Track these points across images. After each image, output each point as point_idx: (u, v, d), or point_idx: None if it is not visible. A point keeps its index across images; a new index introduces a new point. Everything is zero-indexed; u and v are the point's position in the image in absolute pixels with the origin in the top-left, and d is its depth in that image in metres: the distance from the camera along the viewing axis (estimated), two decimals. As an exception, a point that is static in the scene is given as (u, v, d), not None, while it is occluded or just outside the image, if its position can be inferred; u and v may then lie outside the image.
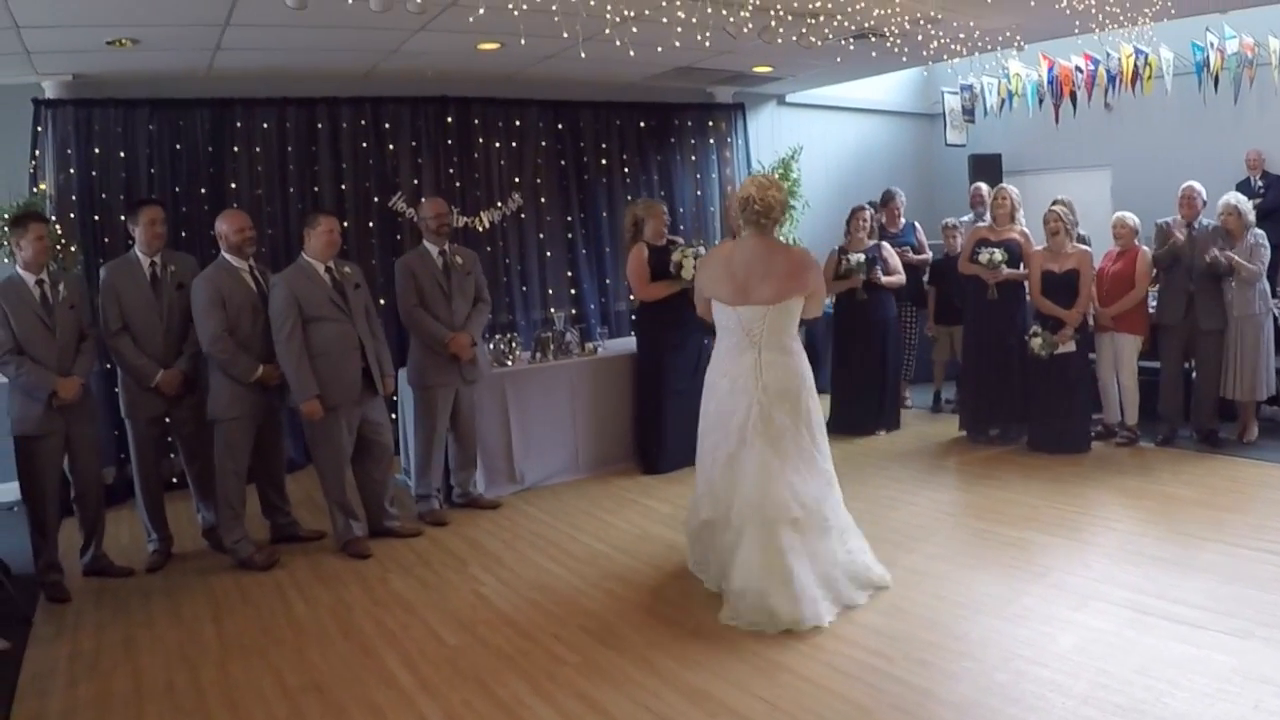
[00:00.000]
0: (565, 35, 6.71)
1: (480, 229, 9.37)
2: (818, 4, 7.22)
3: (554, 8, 6.43)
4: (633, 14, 6.95)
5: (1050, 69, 10.34)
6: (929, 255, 9.61)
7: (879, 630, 4.63)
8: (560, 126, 9.98)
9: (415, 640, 4.84)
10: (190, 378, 6.07)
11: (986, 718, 3.81)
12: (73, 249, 7.46)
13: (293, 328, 5.93)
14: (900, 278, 8.75)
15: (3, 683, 4.55)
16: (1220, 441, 7.63)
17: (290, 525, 6.56)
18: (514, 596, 5.36)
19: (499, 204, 9.54)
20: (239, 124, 8.42)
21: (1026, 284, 7.91)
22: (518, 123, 9.69)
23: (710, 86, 10.76)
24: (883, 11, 7.49)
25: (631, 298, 9.67)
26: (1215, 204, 7.57)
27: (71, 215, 7.66)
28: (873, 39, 8.36)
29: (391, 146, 9.07)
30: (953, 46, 8.90)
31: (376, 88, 8.90)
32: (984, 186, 9.49)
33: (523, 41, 6.94)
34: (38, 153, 7.63)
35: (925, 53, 9.16)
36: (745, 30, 7.29)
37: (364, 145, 8.93)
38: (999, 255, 7.80)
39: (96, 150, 7.84)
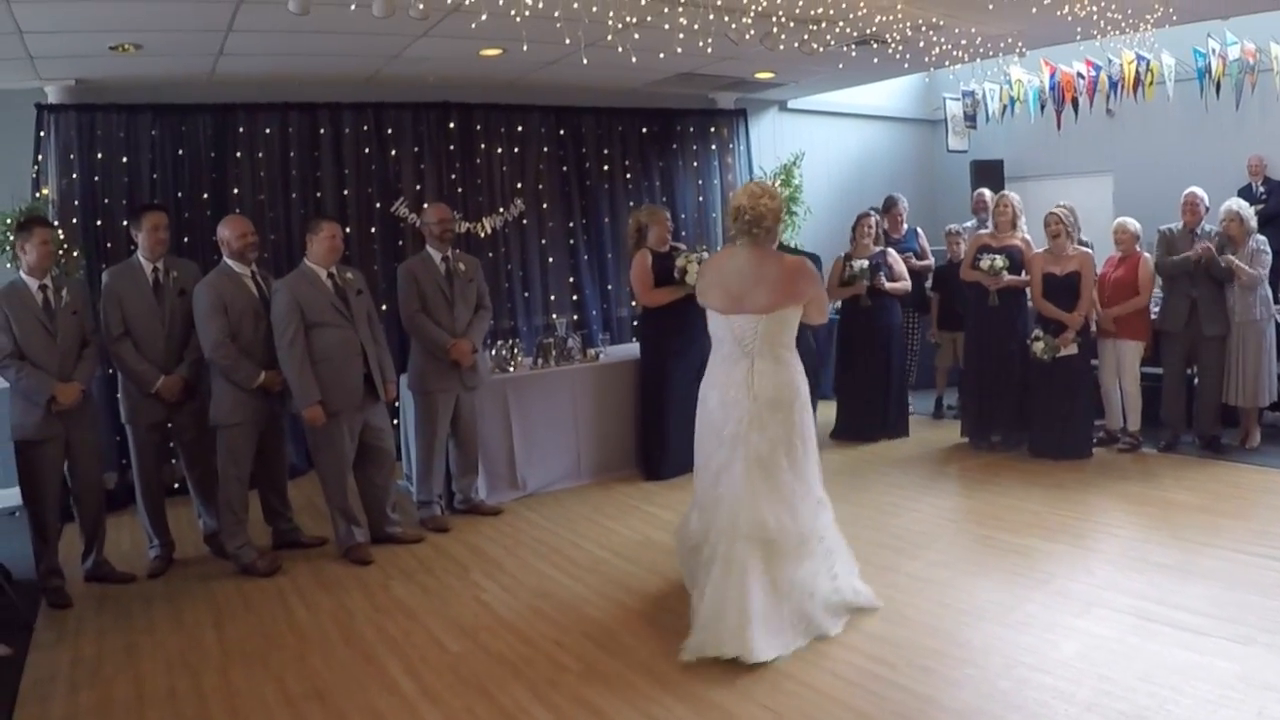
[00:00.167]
0: (567, 41, 6.71)
1: (482, 234, 9.37)
2: (820, 10, 7.22)
3: (556, 14, 6.44)
4: (635, 20, 6.96)
5: (1052, 75, 10.35)
6: (931, 261, 9.62)
7: (882, 637, 4.62)
8: (562, 132, 9.99)
9: (417, 647, 4.84)
10: (191, 384, 6.07)
11: (989, 725, 3.80)
12: (75, 254, 7.47)
13: (295, 333, 5.93)
14: (905, 284, 8.73)
15: (4, 688, 4.54)
16: (1223, 447, 7.63)
17: (292, 531, 6.55)
18: (516, 603, 5.35)
19: (501, 210, 9.55)
20: (241, 129, 8.43)
21: (1028, 290, 7.91)
22: (520, 128, 9.69)
23: (712, 92, 10.77)
24: (885, 18, 7.50)
25: (634, 304, 9.69)
26: (1217, 210, 7.58)
27: (74, 220, 7.66)
28: (875, 45, 8.37)
29: (394, 152, 9.07)
30: (954, 53, 8.92)
31: (379, 93, 8.91)
32: (987, 192, 9.49)
33: (525, 47, 6.95)
34: (40, 157, 7.63)
35: (927, 59, 9.18)
36: (747, 37, 7.31)
37: (366, 151, 8.93)
38: (1000, 261, 7.80)
39: (99, 155, 7.84)
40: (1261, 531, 5.80)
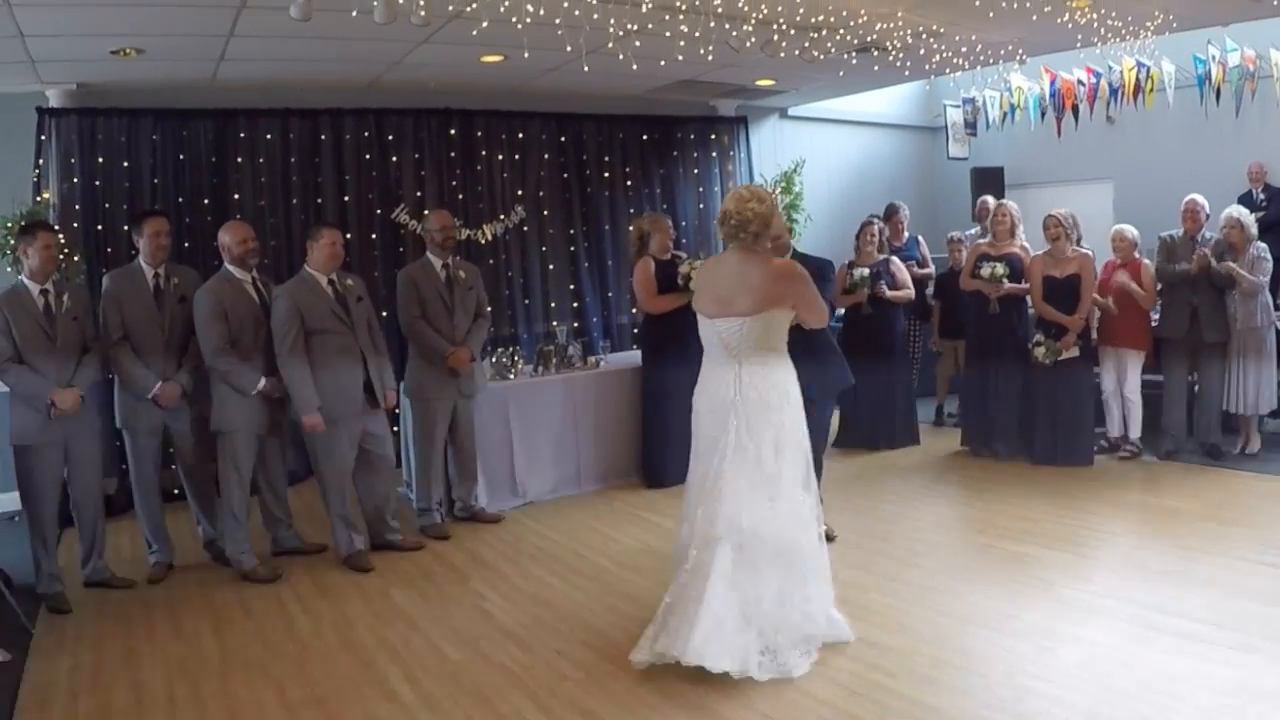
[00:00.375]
0: (569, 48, 6.72)
1: (483, 241, 9.37)
2: (820, 18, 7.24)
3: (557, 21, 6.45)
4: (636, 27, 6.96)
5: (1052, 82, 10.34)
6: (932, 269, 9.63)
7: (883, 645, 4.61)
8: (563, 139, 9.99)
9: (417, 655, 4.83)
10: (188, 391, 6.07)
11: (991, 734, 3.80)
12: (75, 258, 7.47)
13: (295, 340, 5.93)
14: (908, 292, 8.70)
15: (4, 695, 4.53)
16: (1223, 455, 7.64)
17: (292, 538, 6.54)
18: (516, 611, 5.34)
19: (502, 216, 9.55)
20: (243, 134, 8.43)
21: (1028, 297, 7.91)
22: (521, 135, 9.70)
23: (713, 99, 10.78)
24: (885, 25, 7.50)
25: (634, 310, 9.69)
26: (1218, 217, 7.58)
27: (75, 225, 7.67)
28: (875, 53, 8.38)
29: (395, 158, 9.08)
30: (955, 60, 8.93)
31: (380, 99, 8.91)
32: (990, 200, 9.49)
33: (526, 54, 6.94)
34: (41, 161, 7.64)
35: (927, 66, 9.19)
36: (748, 44, 7.31)
37: (367, 157, 8.93)
38: (1001, 269, 7.80)
39: (100, 160, 7.85)
40: (1262, 539, 5.80)
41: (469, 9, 6.38)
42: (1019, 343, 7.88)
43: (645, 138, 10.51)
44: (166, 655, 4.95)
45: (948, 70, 9.55)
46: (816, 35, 7.64)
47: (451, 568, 6.15)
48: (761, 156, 11.31)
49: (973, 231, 9.71)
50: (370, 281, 7.61)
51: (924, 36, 7.97)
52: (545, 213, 9.88)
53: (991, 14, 7.16)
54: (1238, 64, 9.26)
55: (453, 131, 9.32)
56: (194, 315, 5.95)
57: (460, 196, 9.36)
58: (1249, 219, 7.54)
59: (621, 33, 6.97)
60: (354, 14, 5.96)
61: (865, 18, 7.29)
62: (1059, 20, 7.43)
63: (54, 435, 5.58)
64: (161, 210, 7.01)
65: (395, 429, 7.18)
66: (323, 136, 8.76)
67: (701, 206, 10.87)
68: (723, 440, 4.58)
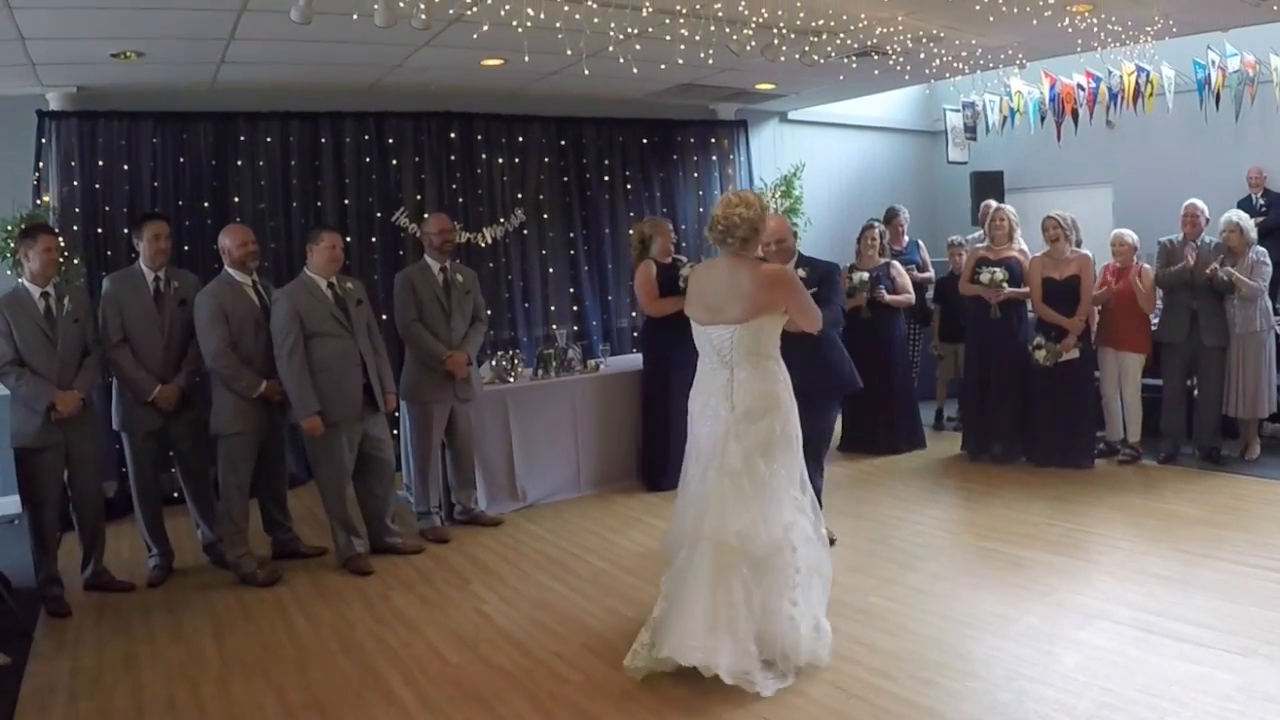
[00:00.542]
0: (569, 52, 6.73)
1: (483, 245, 9.37)
2: (821, 22, 7.25)
3: (558, 25, 6.45)
4: (636, 31, 6.97)
5: (1052, 86, 10.36)
6: (931, 274, 9.64)
7: (883, 649, 4.61)
8: (563, 143, 9.99)
9: (417, 658, 4.83)
10: (187, 394, 6.07)
11: (991, 738, 3.80)
12: (75, 261, 7.47)
13: (294, 343, 5.93)
14: (908, 297, 8.71)
15: (3, 698, 4.53)
16: (1222, 459, 7.64)
17: (292, 541, 6.54)
18: (516, 615, 5.34)
19: (501, 220, 9.55)
20: (243, 138, 8.43)
21: (1028, 301, 7.92)
22: (521, 139, 9.70)
23: (713, 103, 10.78)
24: (885, 30, 7.52)
25: (634, 314, 9.70)
26: (1217, 221, 7.59)
27: (75, 227, 7.66)
28: (875, 57, 8.39)
29: (395, 162, 9.08)
30: (955, 64, 8.94)
31: (380, 102, 8.92)
32: (993, 203, 9.49)
33: (526, 58, 6.95)
34: (41, 164, 7.64)
35: (928, 70, 9.19)
36: (748, 48, 7.31)
37: (367, 160, 8.94)
38: (1000, 274, 7.81)
39: (100, 163, 7.85)
40: (1262, 543, 5.80)
41: (469, 12, 6.39)
42: (1019, 345, 7.89)
43: (645, 141, 10.51)
44: (166, 658, 4.95)
45: (948, 74, 9.56)
46: (817, 39, 7.65)
47: (451, 571, 6.14)
48: (761, 160, 11.32)
49: (974, 236, 9.72)
50: (370, 285, 7.60)
51: (924, 41, 7.97)
52: (545, 216, 9.89)
53: (992, 18, 7.18)
54: (1237, 69, 9.27)
55: (453, 135, 9.33)
56: (194, 318, 5.96)
57: (460, 200, 9.36)
58: (1248, 223, 7.55)
59: (622, 36, 6.98)
60: (354, 17, 5.97)
61: (865, 22, 7.30)
62: (1059, 24, 7.43)
63: (55, 438, 5.58)
64: (161, 213, 7.03)
65: (395, 432, 7.19)
66: (323, 140, 8.77)
67: (701, 210, 10.85)
68: (714, 446, 4.57)
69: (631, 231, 8.17)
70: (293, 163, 8.65)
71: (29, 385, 5.47)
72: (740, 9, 6.69)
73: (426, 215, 7.49)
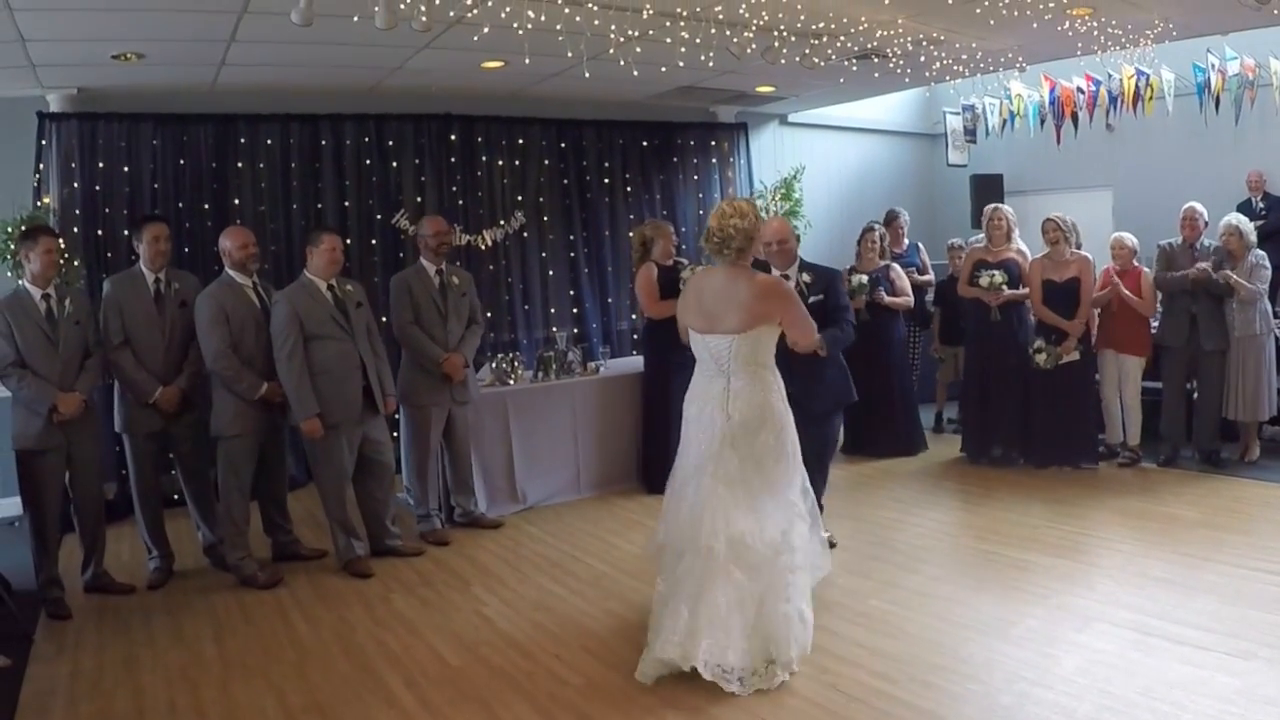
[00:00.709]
0: (569, 54, 6.72)
1: (483, 247, 9.37)
2: (821, 25, 7.25)
3: (558, 27, 6.45)
4: (637, 34, 6.96)
5: (1052, 90, 10.36)
6: (931, 276, 9.64)
7: (882, 652, 4.62)
8: (563, 145, 9.99)
9: (417, 660, 4.83)
10: (188, 395, 6.07)
11: (991, 741, 3.80)
12: (75, 263, 7.47)
13: (294, 346, 5.93)
14: (907, 300, 8.73)
15: (3, 701, 4.52)
16: (1222, 462, 7.64)
17: (292, 544, 6.54)
18: (516, 617, 5.35)
19: (501, 222, 9.55)
20: (243, 139, 8.43)
21: (1028, 302, 7.92)
22: (521, 141, 9.70)
23: (713, 106, 10.79)
24: (886, 33, 7.52)
25: (634, 316, 9.70)
26: (1217, 225, 7.59)
27: (75, 229, 7.66)
28: (875, 60, 8.39)
29: (395, 164, 9.08)
30: (955, 67, 8.94)
31: (380, 104, 8.91)
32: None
33: (527, 60, 6.95)
34: (42, 166, 7.64)
35: (928, 73, 9.20)
36: (749, 51, 7.32)
37: (367, 162, 8.93)
38: (999, 277, 7.82)
39: (100, 164, 7.84)
40: (1261, 546, 5.81)
41: (470, 15, 6.39)
42: (1019, 348, 7.89)
43: (645, 144, 10.51)
44: (166, 661, 4.95)
45: (948, 77, 9.57)
46: (817, 42, 7.65)
47: (451, 573, 6.14)
48: (761, 163, 11.32)
49: (977, 239, 9.71)
50: (370, 287, 7.60)
51: (924, 44, 7.98)
52: (545, 218, 9.88)
53: (992, 21, 7.18)
54: (1237, 72, 9.27)
55: (453, 137, 9.33)
56: (195, 320, 5.96)
57: (460, 202, 9.36)
58: (1248, 227, 7.55)
59: (622, 39, 6.98)
60: (355, 19, 5.97)
61: (866, 25, 7.30)
62: (1059, 28, 7.44)
63: (57, 440, 5.58)
64: (161, 215, 7.02)
65: (395, 434, 7.18)
66: (323, 142, 8.77)
67: (701, 213, 10.84)
68: (709, 452, 4.62)
69: (632, 234, 8.16)
70: (293, 165, 8.65)
71: (31, 387, 5.47)
72: (741, 12, 6.70)
73: (423, 218, 7.49)
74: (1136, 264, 7.79)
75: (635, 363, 8.32)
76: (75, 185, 7.73)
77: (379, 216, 8.97)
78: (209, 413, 6.05)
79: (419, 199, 9.13)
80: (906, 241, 9.73)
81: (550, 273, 9.93)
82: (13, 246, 6.22)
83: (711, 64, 7.79)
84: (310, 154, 8.73)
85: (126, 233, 7.40)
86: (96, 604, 5.79)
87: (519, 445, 7.46)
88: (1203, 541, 5.96)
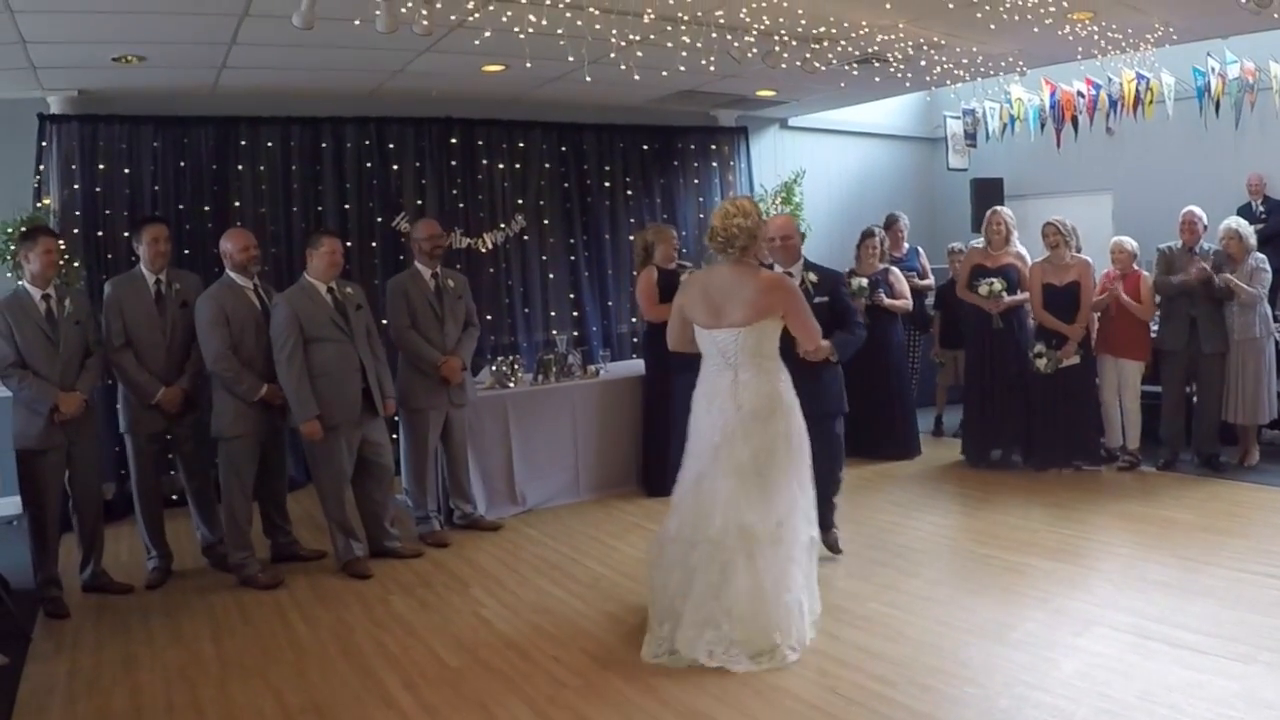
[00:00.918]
0: (570, 58, 6.73)
1: (483, 250, 9.38)
2: (822, 29, 7.26)
3: (560, 31, 6.46)
4: (638, 38, 6.98)
5: (1052, 94, 10.37)
6: (931, 281, 9.64)
7: (881, 655, 4.62)
8: (564, 149, 10.00)
9: (416, 662, 4.83)
10: (191, 396, 6.08)
11: (989, 743, 3.80)
12: (75, 264, 7.47)
13: (293, 348, 5.93)
14: (906, 303, 8.73)
15: (1, 699, 4.52)
16: (1222, 466, 7.64)
17: (291, 544, 6.54)
18: (515, 619, 5.34)
19: (502, 225, 9.55)
20: (244, 142, 8.44)
21: (1028, 306, 7.92)
22: (521, 144, 9.71)
23: (713, 110, 10.80)
24: (886, 37, 7.53)
25: (634, 319, 9.70)
26: (1216, 229, 7.60)
27: (75, 231, 7.67)
28: (876, 64, 8.40)
29: (395, 167, 9.08)
30: (955, 71, 8.95)
31: (381, 108, 8.93)
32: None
33: (528, 64, 6.97)
34: (42, 167, 7.65)
35: (928, 78, 9.21)
36: (750, 55, 7.33)
37: (368, 165, 8.94)
38: (999, 285, 7.82)
39: (101, 166, 7.86)
40: (1261, 550, 5.80)
41: (471, 19, 6.40)
42: (1019, 352, 7.90)
43: (646, 147, 10.52)
44: (165, 661, 4.94)
45: (948, 81, 9.57)
46: (818, 46, 7.66)
47: (450, 575, 6.14)
48: (761, 167, 11.32)
49: (977, 242, 9.71)
50: (370, 290, 7.59)
51: (925, 48, 7.99)
52: (545, 222, 9.89)
53: (993, 26, 7.19)
54: (1237, 76, 9.28)
55: (454, 140, 9.34)
56: (195, 321, 5.97)
57: (461, 205, 9.37)
58: (1247, 230, 7.56)
59: (623, 43, 6.99)
60: (356, 22, 5.99)
61: (866, 29, 7.31)
62: (1059, 32, 7.45)
63: (58, 440, 5.59)
64: (160, 217, 7.02)
65: (394, 436, 7.19)
66: (324, 144, 8.78)
67: (701, 216, 10.85)
68: (718, 444, 4.77)
69: (633, 238, 8.15)
70: (293, 167, 8.66)
71: (32, 387, 5.48)
72: (742, 16, 6.71)
73: (417, 221, 7.47)
74: (1136, 268, 7.79)
75: (635, 366, 8.32)
76: (76, 187, 7.74)
77: (379, 219, 8.98)
78: (210, 413, 6.06)
79: (419, 202, 9.13)
80: (906, 245, 9.73)
81: (550, 276, 9.94)
82: (13, 247, 6.23)
83: (712, 68, 7.81)
84: (311, 157, 8.74)
85: (127, 235, 7.41)
86: (95, 603, 5.79)
87: (518, 448, 7.46)
88: (1202, 545, 5.96)
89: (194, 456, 6.23)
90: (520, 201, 9.69)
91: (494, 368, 7.63)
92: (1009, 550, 6.07)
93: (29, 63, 6.86)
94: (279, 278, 7.83)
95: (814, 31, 7.31)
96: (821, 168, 11.78)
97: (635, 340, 10.05)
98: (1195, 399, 7.86)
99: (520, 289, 9.78)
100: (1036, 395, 7.79)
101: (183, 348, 6.04)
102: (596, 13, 6.38)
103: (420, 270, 6.82)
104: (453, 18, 6.36)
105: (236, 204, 8.39)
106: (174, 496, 6.90)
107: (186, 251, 7.99)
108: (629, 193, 10.41)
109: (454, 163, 9.35)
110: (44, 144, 7.67)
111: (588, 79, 7.36)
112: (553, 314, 9.93)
